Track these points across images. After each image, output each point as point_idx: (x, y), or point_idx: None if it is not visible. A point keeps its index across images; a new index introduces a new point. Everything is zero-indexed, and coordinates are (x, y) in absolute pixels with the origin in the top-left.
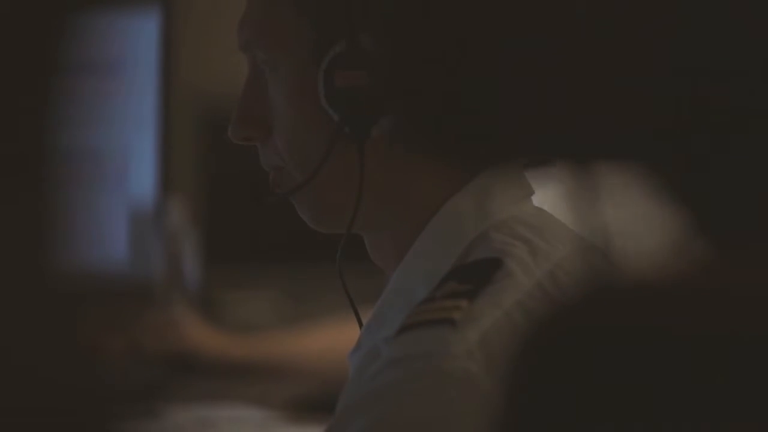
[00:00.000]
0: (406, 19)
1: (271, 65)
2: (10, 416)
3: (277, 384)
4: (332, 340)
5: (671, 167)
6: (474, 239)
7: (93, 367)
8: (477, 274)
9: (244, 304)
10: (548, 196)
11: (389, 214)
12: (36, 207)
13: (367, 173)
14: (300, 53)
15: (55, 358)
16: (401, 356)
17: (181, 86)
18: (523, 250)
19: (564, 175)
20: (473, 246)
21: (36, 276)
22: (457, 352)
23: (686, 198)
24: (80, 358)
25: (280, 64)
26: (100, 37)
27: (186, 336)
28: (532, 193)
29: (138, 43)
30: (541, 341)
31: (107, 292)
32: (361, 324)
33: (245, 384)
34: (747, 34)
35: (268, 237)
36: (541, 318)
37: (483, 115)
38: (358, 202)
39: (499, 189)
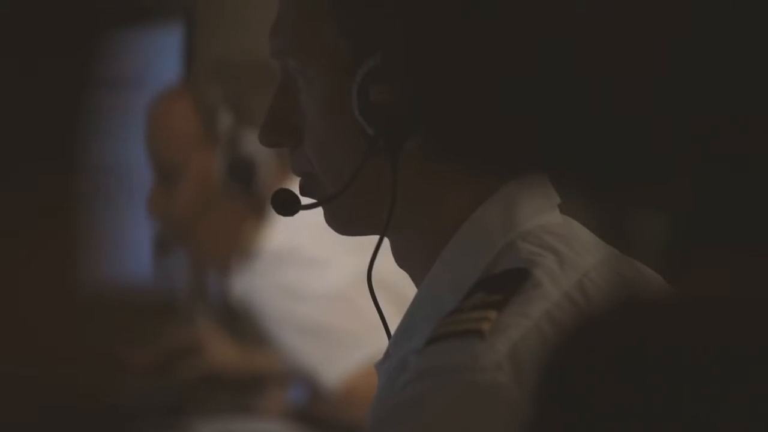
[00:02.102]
0: (439, 35)
1: (305, 76)
2: (36, 429)
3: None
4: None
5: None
6: (501, 249)
7: (118, 381)
8: (505, 284)
9: None
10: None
11: (417, 223)
12: (61, 222)
13: (398, 184)
14: (335, 66)
15: (81, 371)
16: (430, 368)
17: None
18: (551, 260)
19: (586, 188)
20: (501, 256)
21: (61, 290)
22: (485, 364)
23: (704, 210)
24: (105, 373)
25: (314, 75)
26: (123, 52)
27: (209, 348)
28: (558, 203)
29: (161, 57)
30: (570, 353)
31: (132, 306)
32: (389, 334)
33: (268, 396)
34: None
35: None
36: (570, 329)
37: (512, 127)
38: (390, 214)
39: (525, 199)
